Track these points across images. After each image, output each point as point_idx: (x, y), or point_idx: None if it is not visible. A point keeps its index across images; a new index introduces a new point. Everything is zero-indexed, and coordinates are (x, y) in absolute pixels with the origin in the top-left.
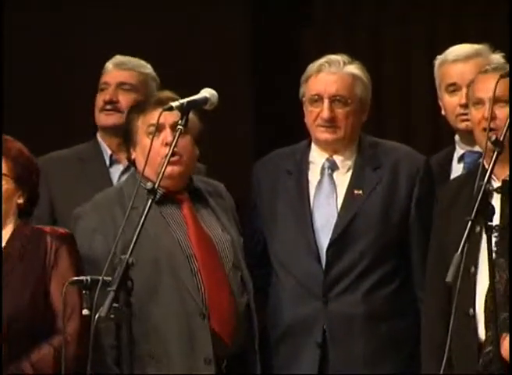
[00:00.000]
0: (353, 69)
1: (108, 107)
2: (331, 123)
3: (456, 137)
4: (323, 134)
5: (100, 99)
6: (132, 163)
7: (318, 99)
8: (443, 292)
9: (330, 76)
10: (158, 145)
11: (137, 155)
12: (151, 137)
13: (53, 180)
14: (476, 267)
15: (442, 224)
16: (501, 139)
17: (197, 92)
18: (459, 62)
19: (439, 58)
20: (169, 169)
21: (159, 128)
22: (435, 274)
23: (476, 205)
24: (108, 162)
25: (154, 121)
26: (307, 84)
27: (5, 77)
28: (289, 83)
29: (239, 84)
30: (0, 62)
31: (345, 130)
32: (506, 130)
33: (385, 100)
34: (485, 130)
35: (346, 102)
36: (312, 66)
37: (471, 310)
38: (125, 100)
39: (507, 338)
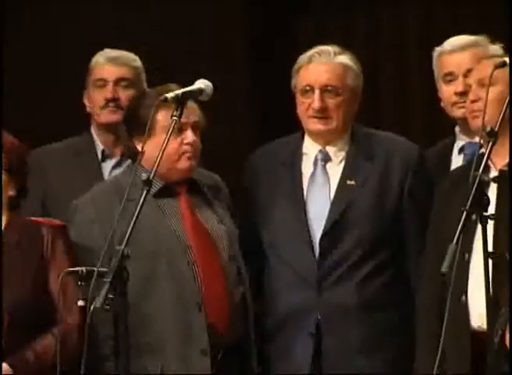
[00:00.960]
0: (344, 59)
1: (112, 104)
2: (322, 114)
3: (457, 129)
4: (316, 126)
5: (99, 96)
6: (133, 154)
7: (309, 90)
8: (439, 282)
9: (321, 66)
10: (178, 144)
11: (149, 148)
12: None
13: (47, 172)
14: (470, 255)
15: (441, 214)
16: (496, 129)
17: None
18: (456, 52)
19: (437, 50)
20: (187, 164)
21: (181, 127)
22: (431, 263)
23: (471, 195)
24: (100, 157)
25: (176, 112)
26: (299, 75)
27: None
28: (285, 77)
29: (235, 77)
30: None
31: (337, 121)
32: (501, 121)
33: (382, 89)
34: (471, 112)
35: (337, 92)
36: (303, 57)
37: (463, 297)
38: (125, 96)
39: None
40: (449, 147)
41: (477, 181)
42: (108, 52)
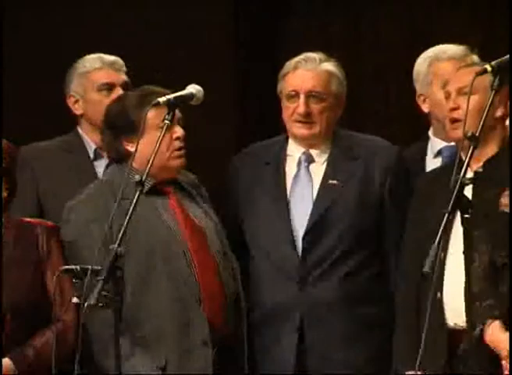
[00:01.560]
0: (329, 66)
1: None
2: (307, 118)
3: (431, 132)
4: (300, 130)
5: (106, 101)
6: (121, 156)
7: (294, 95)
8: (417, 279)
9: (306, 72)
10: (168, 139)
11: (139, 146)
12: (159, 131)
13: (39, 170)
14: (445, 254)
15: (418, 215)
16: (477, 134)
17: (181, 88)
18: (454, 61)
19: (429, 56)
20: (178, 161)
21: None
22: (409, 261)
23: (453, 197)
24: (92, 156)
25: (168, 116)
26: (285, 81)
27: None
28: (271, 79)
29: (220, 79)
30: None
31: (320, 125)
32: (482, 126)
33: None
34: (451, 120)
35: (321, 98)
36: (289, 63)
37: (439, 294)
38: None
39: (492, 325)
40: (423, 149)
41: (458, 184)
42: (103, 57)
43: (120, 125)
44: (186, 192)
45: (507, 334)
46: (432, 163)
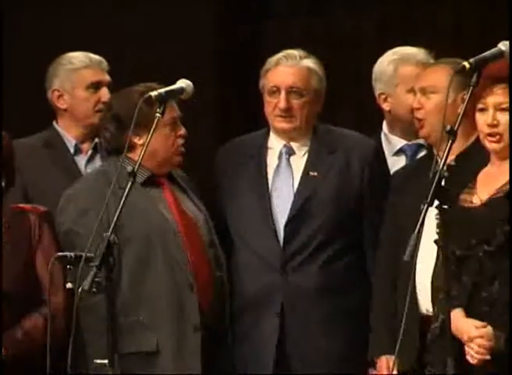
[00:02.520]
0: (309, 62)
1: (103, 107)
2: (287, 113)
3: (386, 129)
4: (280, 124)
5: (93, 99)
6: (118, 148)
7: (275, 90)
8: (393, 268)
9: (287, 69)
10: (174, 137)
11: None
12: (167, 127)
13: (26, 167)
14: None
15: (395, 206)
16: (455, 129)
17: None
18: (420, 65)
19: (395, 59)
20: (180, 158)
21: (175, 121)
22: (386, 250)
23: (432, 189)
24: (72, 151)
25: (175, 114)
26: (266, 77)
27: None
28: (253, 75)
29: (202, 75)
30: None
31: (300, 120)
32: (460, 121)
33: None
34: (415, 119)
35: (301, 93)
36: (271, 60)
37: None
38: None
39: (453, 313)
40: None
41: (437, 176)
42: (90, 55)
43: (127, 118)
44: (178, 185)
45: (469, 320)
46: (393, 161)
